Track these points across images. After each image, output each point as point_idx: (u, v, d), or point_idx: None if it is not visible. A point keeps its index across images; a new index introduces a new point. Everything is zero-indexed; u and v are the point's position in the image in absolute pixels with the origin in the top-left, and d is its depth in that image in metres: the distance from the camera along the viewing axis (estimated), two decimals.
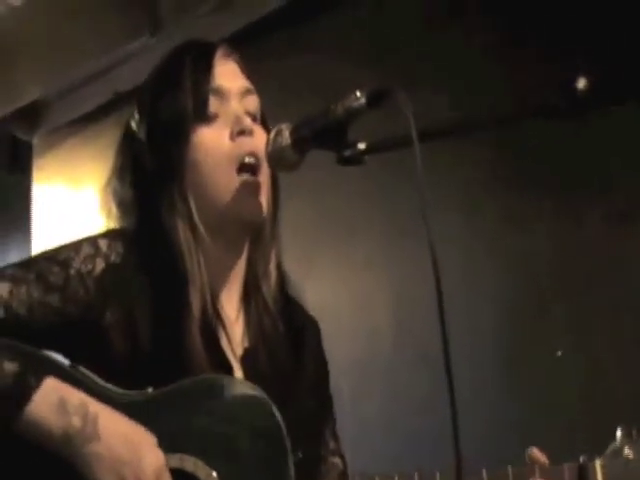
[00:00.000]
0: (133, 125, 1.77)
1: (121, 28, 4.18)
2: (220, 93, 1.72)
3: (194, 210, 1.67)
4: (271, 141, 1.63)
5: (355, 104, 1.51)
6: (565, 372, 2.85)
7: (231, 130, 1.70)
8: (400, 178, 2.77)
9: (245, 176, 1.69)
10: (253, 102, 1.76)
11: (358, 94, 1.51)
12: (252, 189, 1.69)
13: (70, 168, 4.57)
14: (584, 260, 2.89)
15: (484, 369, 3.01)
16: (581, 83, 1.34)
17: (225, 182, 1.68)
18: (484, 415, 2.82)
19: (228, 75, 1.75)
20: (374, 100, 1.50)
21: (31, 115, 4.74)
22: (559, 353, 2.86)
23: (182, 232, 1.66)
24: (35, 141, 4.87)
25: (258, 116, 1.76)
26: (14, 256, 1.67)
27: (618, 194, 2.84)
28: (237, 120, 1.71)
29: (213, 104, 1.71)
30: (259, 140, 1.70)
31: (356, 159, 1.54)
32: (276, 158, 1.63)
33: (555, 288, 2.95)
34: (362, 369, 3.37)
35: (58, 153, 4.72)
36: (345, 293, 3.51)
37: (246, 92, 1.76)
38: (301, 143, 1.59)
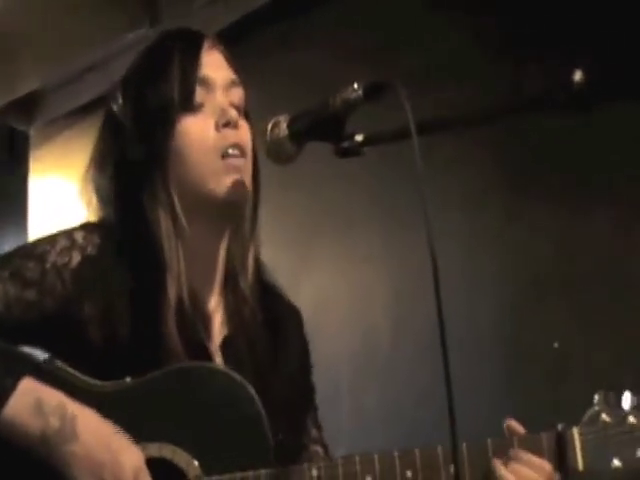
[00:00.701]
0: (115, 108, 1.76)
1: (119, 20, 4.18)
2: (206, 83, 1.72)
3: (176, 200, 1.68)
4: (268, 133, 1.62)
5: (353, 96, 1.51)
6: (564, 367, 2.85)
7: (216, 121, 1.70)
8: (400, 171, 2.76)
9: (229, 159, 1.69)
10: (238, 94, 1.77)
11: (355, 86, 1.51)
12: (235, 170, 1.69)
13: (67, 159, 4.55)
14: (584, 257, 2.88)
15: (483, 363, 3.00)
16: (577, 75, 1.34)
17: (208, 167, 1.68)
18: (482, 409, 2.82)
19: (214, 65, 1.75)
20: (371, 93, 1.49)
21: (28, 106, 4.73)
22: (556, 345, 2.86)
23: (163, 222, 1.67)
24: (32, 132, 4.86)
25: (242, 109, 1.77)
26: (10, 247, 1.68)
27: (619, 192, 2.83)
28: (222, 112, 1.71)
29: (199, 94, 1.71)
30: (244, 133, 1.72)
31: (354, 151, 1.54)
32: (274, 150, 1.62)
33: (555, 285, 2.94)
34: (361, 362, 3.37)
35: (55, 144, 4.71)
36: (344, 286, 3.50)
37: (231, 84, 1.76)
38: (299, 135, 1.59)
